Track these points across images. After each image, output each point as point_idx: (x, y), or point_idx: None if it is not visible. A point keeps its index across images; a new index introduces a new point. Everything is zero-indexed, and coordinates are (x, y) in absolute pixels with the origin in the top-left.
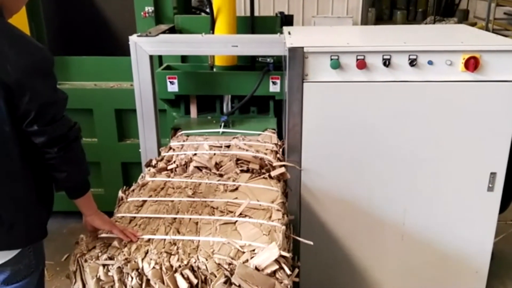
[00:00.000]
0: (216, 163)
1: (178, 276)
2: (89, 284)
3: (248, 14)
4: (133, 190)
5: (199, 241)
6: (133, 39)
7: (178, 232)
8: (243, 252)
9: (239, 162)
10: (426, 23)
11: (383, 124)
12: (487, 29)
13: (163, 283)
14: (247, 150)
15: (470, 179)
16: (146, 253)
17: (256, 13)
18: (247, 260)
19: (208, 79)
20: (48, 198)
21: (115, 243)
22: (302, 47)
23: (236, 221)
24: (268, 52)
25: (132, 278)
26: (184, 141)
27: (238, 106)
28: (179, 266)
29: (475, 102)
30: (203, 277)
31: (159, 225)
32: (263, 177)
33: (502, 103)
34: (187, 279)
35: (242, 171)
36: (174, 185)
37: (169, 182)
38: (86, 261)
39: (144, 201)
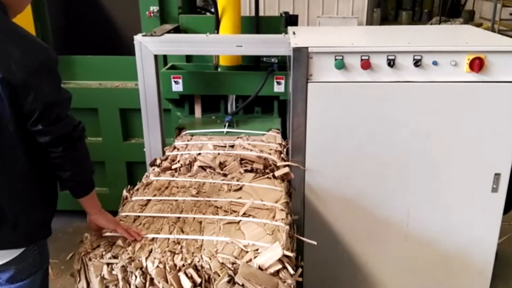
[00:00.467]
0: (220, 163)
1: (181, 275)
2: (93, 283)
3: (253, 14)
4: (138, 189)
5: (202, 240)
6: (138, 38)
7: (182, 232)
8: (247, 252)
9: (243, 162)
10: (431, 24)
11: (388, 124)
12: (492, 30)
13: (167, 282)
14: (251, 150)
15: (474, 179)
16: (150, 252)
17: (261, 13)
18: (250, 260)
19: (213, 79)
20: (52, 197)
21: (119, 242)
22: (307, 47)
23: (240, 220)
24: (273, 52)
25: (136, 277)
26: (188, 140)
27: (243, 106)
28: (183, 265)
29: (480, 103)
30: (206, 276)
31: (163, 224)
32: (267, 177)
33: (506, 104)
34: (190, 278)
35: (246, 171)
36: (178, 185)
37: (173, 181)
38: (90, 259)
39: (148, 200)
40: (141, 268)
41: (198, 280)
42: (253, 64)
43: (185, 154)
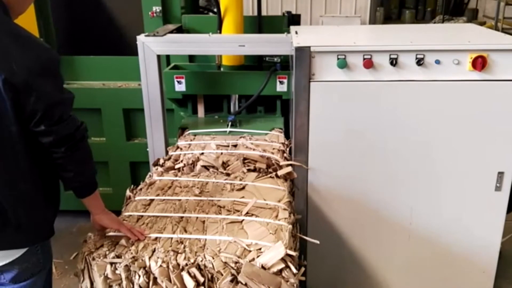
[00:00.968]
0: (223, 162)
1: (185, 274)
2: (97, 282)
3: (255, 13)
4: (141, 189)
5: (205, 239)
6: (140, 38)
7: (185, 231)
8: (250, 251)
9: (246, 161)
10: (435, 23)
11: (390, 123)
12: (496, 28)
13: (170, 281)
14: (254, 150)
15: (478, 178)
16: (153, 251)
17: (264, 13)
18: (253, 259)
19: (216, 78)
20: (55, 197)
21: (123, 241)
22: (309, 47)
23: (243, 220)
24: (275, 52)
25: (139, 276)
26: (191, 140)
27: (245, 105)
28: (186, 265)
29: (483, 102)
30: (209, 275)
31: (166, 224)
32: (270, 176)
33: (509, 102)
34: (193, 277)
35: (249, 170)
36: (181, 184)
37: (176, 181)
38: (94, 259)
39: (152, 200)
40: (144, 268)
41: (201, 279)
42: (255, 63)
43: (188, 154)
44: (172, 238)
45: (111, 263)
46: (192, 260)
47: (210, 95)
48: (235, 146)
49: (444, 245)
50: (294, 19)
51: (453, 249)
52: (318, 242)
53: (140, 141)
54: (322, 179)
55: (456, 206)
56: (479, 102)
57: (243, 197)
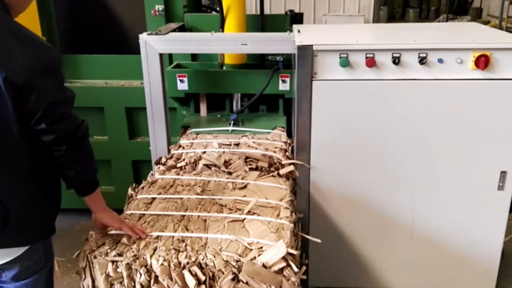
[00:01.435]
0: (225, 161)
1: (186, 272)
2: (99, 280)
3: (258, 12)
4: (143, 188)
5: (207, 238)
6: (143, 37)
7: (187, 229)
8: (251, 250)
9: (248, 160)
10: (439, 22)
11: (392, 122)
12: (500, 27)
13: (171, 279)
14: (256, 148)
15: (480, 178)
16: (155, 250)
17: (267, 12)
18: (254, 258)
19: (218, 77)
20: (56, 195)
21: (124, 240)
22: (311, 45)
23: (244, 218)
24: (278, 51)
25: (140, 274)
26: (193, 139)
27: (248, 104)
28: (187, 263)
29: (486, 100)
30: (211, 274)
31: (168, 222)
32: (272, 175)
33: None
34: (195, 275)
35: (251, 169)
36: (183, 183)
37: (178, 179)
38: (95, 257)
39: (153, 199)
40: (145, 266)
41: (203, 277)
42: (258, 62)
43: (190, 153)
44: (173, 236)
45: (113, 261)
46: (193, 259)
47: (213, 93)
48: (237, 145)
49: (446, 245)
50: (296, 18)
51: (455, 248)
52: (319, 241)
53: (142, 139)
54: (324, 178)
55: (458, 205)
56: (482, 101)
57: (245, 195)
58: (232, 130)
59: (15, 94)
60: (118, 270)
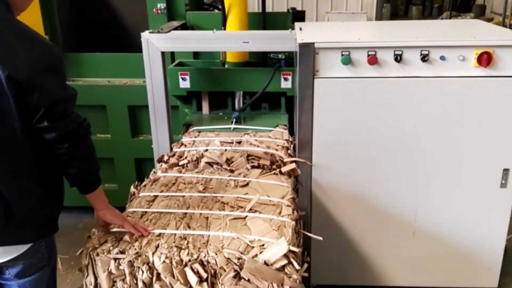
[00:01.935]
0: (227, 159)
1: (188, 270)
2: (101, 278)
3: (260, 10)
4: (145, 185)
5: (209, 235)
6: (145, 35)
7: (189, 227)
8: (253, 247)
9: (250, 158)
10: (442, 19)
11: (394, 119)
12: (503, 25)
13: (173, 277)
14: (258, 146)
15: (483, 175)
16: (157, 247)
17: (270, 10)
18: (256, 255)
19: (220, 75)
20: (58, 193)
21: (126, 237)
22: (313, 43)
23: (246, 216)
24: (279, 48)
25: (142, 272)
26: (195, 137)
27: (250, 102)
28: (189, 260)
29: (488, 98)
30: (212, 271)
31: (170, 220)
32: (274, 173)
33: None
34: (196, 273)
35: (253, 167)
36: (185, 181)
37: (180, 177)
38: (98, 255)
39: (156, 196)
40: (147, 263)
41: (204, 275)
42: (260, 60)
43: (192, 151)
44: (175, 234)
45: (115, 259)
46: (195, 256)
47: (215, 92)
48: (239, 142)
49: (449, 242)
50: (298, 16)
51: (458, 246)
52: (321, 238)
53: (145, 137)
54: (326, 175)
55: (461, 202)
56: (484, 98)
57: (246, 193)
58: (234, 128)
59: (17, 92)
60: (120, 267)
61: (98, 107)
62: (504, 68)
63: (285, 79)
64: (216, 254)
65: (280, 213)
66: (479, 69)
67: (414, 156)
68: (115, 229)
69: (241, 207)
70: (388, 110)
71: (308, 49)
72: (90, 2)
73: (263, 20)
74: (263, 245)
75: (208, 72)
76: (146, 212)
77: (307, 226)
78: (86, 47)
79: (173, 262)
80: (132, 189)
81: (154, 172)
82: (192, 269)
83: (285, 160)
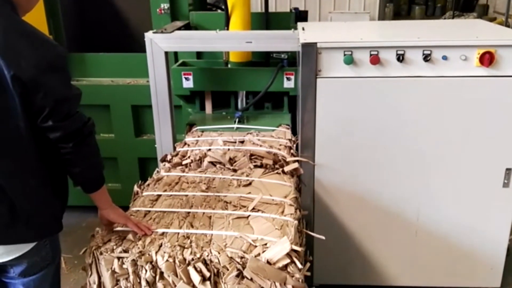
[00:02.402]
0: (230, 158)
1: (191, 269)
2: (104, 276)
3: (263, 10)
4: (148, 185)
5: (212, 235)
6: (148, 35)
7: (192, 226)
8: (255, 246)
9: (252, 157)
10: (445, 19)
11: (397, 119)
12: (506, 24)
13: (176, 276)
14: (260, 146)
15: (485, 175)
16: (160, 246)
17: (273, 10)
18: (259, 254)
19: (223, 75)
20: (63, 192)
21: (130, 236)
22: (316, 43)
23: (249, 215)
24: (282, 48)
25: (146, 270)
26: (199, 136)
27: (253, 102)
28: (192, 259)
29: (490, 97)
30: (215, 270)
31: (173, 219)
32: (277, 173)
33: None
34: (199, 272)
35: (255, 166)
36: (188, 180)
37: (183, 177)
38: (101, 253)
39: (159, 196)
40: (151, 262)
41: (207, 274)
42: (263, 60)
43: (196, 150)
44: (178, 233)
45: (118, 258)
46: (198, 255)
47: (218, 91)
48: (242, 142)
49: (451, 241)
50: (301, 16)
51: (460, 245)
52: (323, 237)
53: (148, 137)
54: (328, 175)
55: (463, 202)
56: (486, 98)
57: (249, 193)
58: (237, 128)
59: (22, 91)
60: (124, 266)
61: (102, 106)
62: (506, 68)
63: (288, 79)
64: (219, 253)
65: (282, 212)
66: (481, 68)
67: (416, 155)
68: (118, 228)
69: (244, 206)
70: (390, 110)
71: (310, 49)
72: (94, 2)
73: (266, 20)
74: (265, 244)
75: (211, 72)
76: (149, 211)
77: (310, 226)
78: (90, 47)
79: (176, 261)
80: (135, 188)
81: (157, 172)
82: (195, 268)
83: (287, 159)
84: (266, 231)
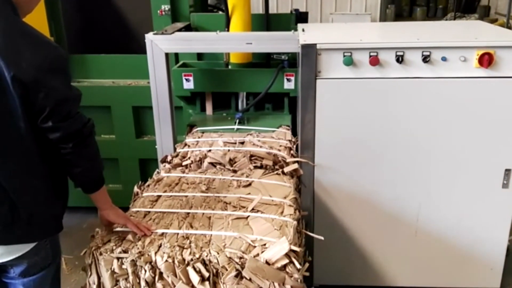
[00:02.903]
0: (230, 159)
1: (190, 269)
2: (104, 277)
3: (263, 11)
4: (148, 186)
5: (211, 235)
6: (149, 37)
7: (191, 227)
8: (254, 246)
9: (252, 158)
10: (446, 20)
11: (396, 120)
12: (507, 26)
13: (176, 276)
14: (261, 147)
15: (485, 175)
16: (159, 246)
17: (274, 11)
18: (258, 254)
19: (224, 76)
20: (63, 192)
21: (129, 237)
22: (315, 44)
23: (248, 216)
24: (282, 49)
25: (145, 271)
26: (199, 137)
27: (253, 103)
28: (191, 260)
29: (490, 99)
30: (214, 270)
31: (173, 220)
32: (276, 173)
33: None
34: (199, 272)
35: (255, 167)
36: (189, 181)
37: (183, 177)
38: (101, 254)
39: (159, 196)
40: (150, 263)
41: (206, 274)
42: (263, 61)
43: (196, 151)
44: (178, 233)
45: (118, 258)
46: (197, 255)
47: (218, 92)
48: (242, 143)
49: (451, 242)
50: (302, 17)
51: (460, 246)
52: (322, 238)
53: (149, 138)
54: (328, 176)
55: (463, 203)
56: (485, 99)
57: (249, 193)
58: (238, 129)
59: (23, 92)
60: (123, 266)
61: (103, 107)
62: (505, 69)
63: (288, 80)
64: (218, 254)
65: (282, 213)
66: (481, 70)
67: (416, 156)
68: (118, 229)
69: (244, 207)
70: (390, 111)
71: (310, 50)
72: (95, 3)
73: (266, 21)
74: (264, 244)
75: (211, 73)
76: (149, 211)
77: (309, 226)
78: (91, 48)
79: (176, 261)
80: (135, 189)
81: (158, 172)
82: (194, 268)
83: (287, 160)
84: (265, 231)
